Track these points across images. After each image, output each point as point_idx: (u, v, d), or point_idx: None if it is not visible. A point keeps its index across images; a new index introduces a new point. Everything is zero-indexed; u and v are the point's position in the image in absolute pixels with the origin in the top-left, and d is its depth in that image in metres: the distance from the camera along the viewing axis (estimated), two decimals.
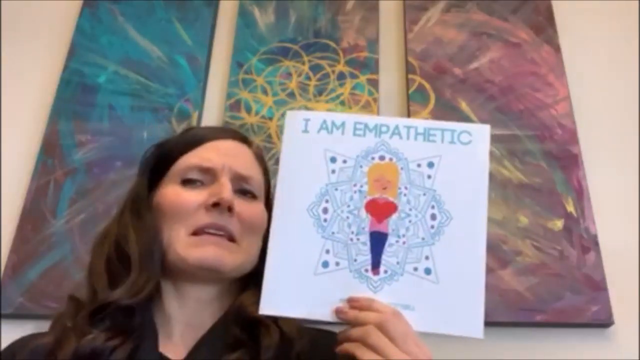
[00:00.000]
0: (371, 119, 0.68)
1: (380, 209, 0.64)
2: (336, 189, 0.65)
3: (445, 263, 0.62)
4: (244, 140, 0.81)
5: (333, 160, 0.66)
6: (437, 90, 1.38)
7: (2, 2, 1.61)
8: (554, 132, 1.32)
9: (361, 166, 0.66)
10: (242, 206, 0.72)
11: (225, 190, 0.70)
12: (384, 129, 0.67)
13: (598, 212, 1.23)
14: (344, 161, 0.66)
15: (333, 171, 0.66)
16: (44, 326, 0.73)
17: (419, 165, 0.66)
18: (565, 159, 1.29)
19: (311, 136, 0.67)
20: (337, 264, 0.63)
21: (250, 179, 0.75)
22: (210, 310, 0.71)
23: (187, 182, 0.73)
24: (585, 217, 1.23)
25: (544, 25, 1.45)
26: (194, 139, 0.78)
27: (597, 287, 1.16)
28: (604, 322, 1.13)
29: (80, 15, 1.55)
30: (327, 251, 0.63)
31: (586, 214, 1.23)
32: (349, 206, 0.64)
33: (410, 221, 0.64)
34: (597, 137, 1.33)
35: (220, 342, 0.66)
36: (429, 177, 0.65)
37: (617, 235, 1.22)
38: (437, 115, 1.34)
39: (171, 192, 0.72)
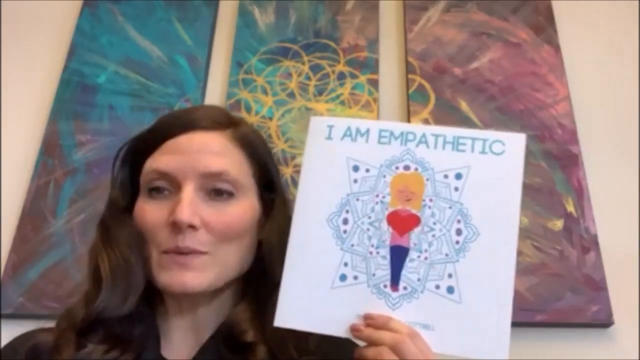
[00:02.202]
0: (397, 126, 0.64)
1: (402, 222, 0.61)
2: (357, 199, 0.62)
3: (469, 282, 0.58)
4: (216, 125, 0.70)
5: (355, 169, 0.63)
6: (437, 90, 1.38)
7: (2, 2, 1.61)
8: (554, 132, 1.32)
9: (384, 176, 0.62)
10: (211, 215, 0.65)
11: (182, 208, 0.63)
12: (410, 136, 0.63)
13: (598, 212, 1.24)
14: (367, 170, 0.63)
15: (355, 180, 0.62)
16: (43, 326, 0.73)
17: (445, 177, 0.61)
18: (565, 159, 1.29)
19: (334, 143, 0.64)
20: (356, 277, 0.60)
21: (222, 174, 0.66)
22: (207, 318, 0.69)
23: (152, 192, 0.67)
24: (585, 217, 1.23)
25: (544, 25, 1.46)
26: (155, 138, 0.70)
27: (597, 287, 1.16)
28: (604, 322, 1.14)
29: (80, 15, 1.54)
30: (346, 264, 0.60)
31: (586, 214, 1.23)
32: (369, 218, 0.61)
33: (433, 236, 0.60)
34: (597, 137, 1.33)
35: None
36: (456, 189, 0.61)
37: (617, 235, 1.23)
38: (437, 115, 1.34)
39: (138, 208, 0.68)
